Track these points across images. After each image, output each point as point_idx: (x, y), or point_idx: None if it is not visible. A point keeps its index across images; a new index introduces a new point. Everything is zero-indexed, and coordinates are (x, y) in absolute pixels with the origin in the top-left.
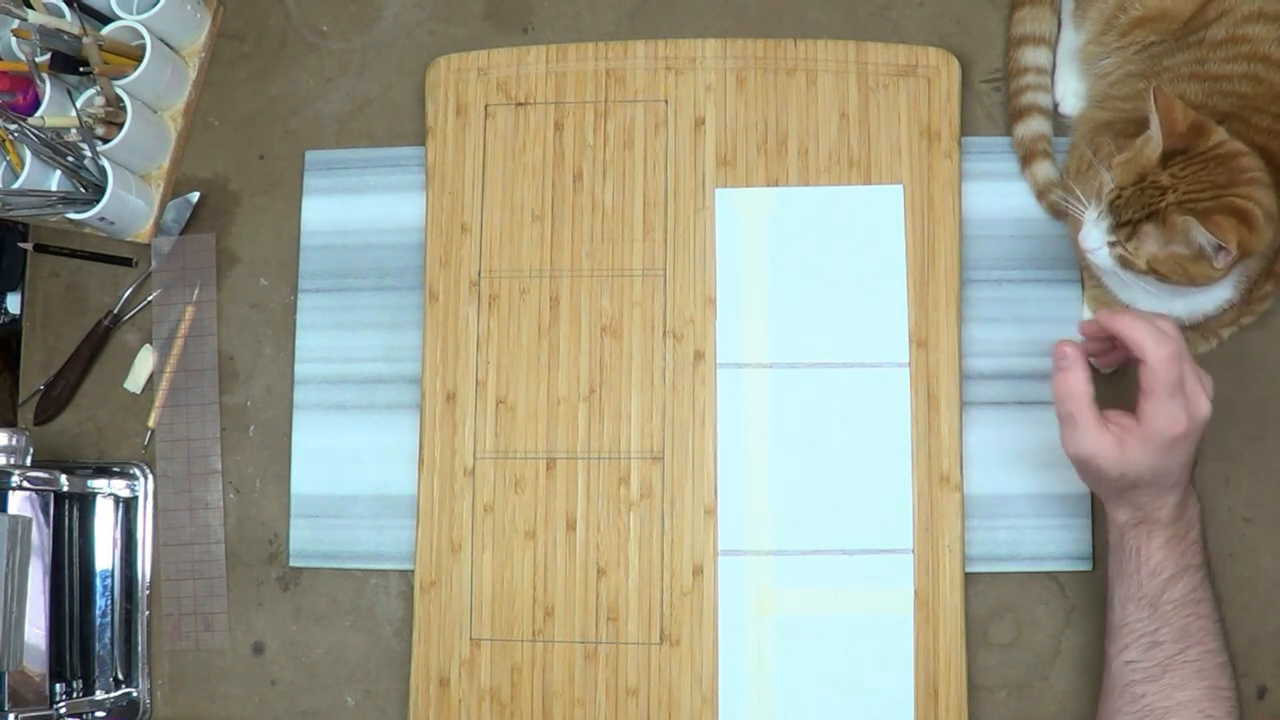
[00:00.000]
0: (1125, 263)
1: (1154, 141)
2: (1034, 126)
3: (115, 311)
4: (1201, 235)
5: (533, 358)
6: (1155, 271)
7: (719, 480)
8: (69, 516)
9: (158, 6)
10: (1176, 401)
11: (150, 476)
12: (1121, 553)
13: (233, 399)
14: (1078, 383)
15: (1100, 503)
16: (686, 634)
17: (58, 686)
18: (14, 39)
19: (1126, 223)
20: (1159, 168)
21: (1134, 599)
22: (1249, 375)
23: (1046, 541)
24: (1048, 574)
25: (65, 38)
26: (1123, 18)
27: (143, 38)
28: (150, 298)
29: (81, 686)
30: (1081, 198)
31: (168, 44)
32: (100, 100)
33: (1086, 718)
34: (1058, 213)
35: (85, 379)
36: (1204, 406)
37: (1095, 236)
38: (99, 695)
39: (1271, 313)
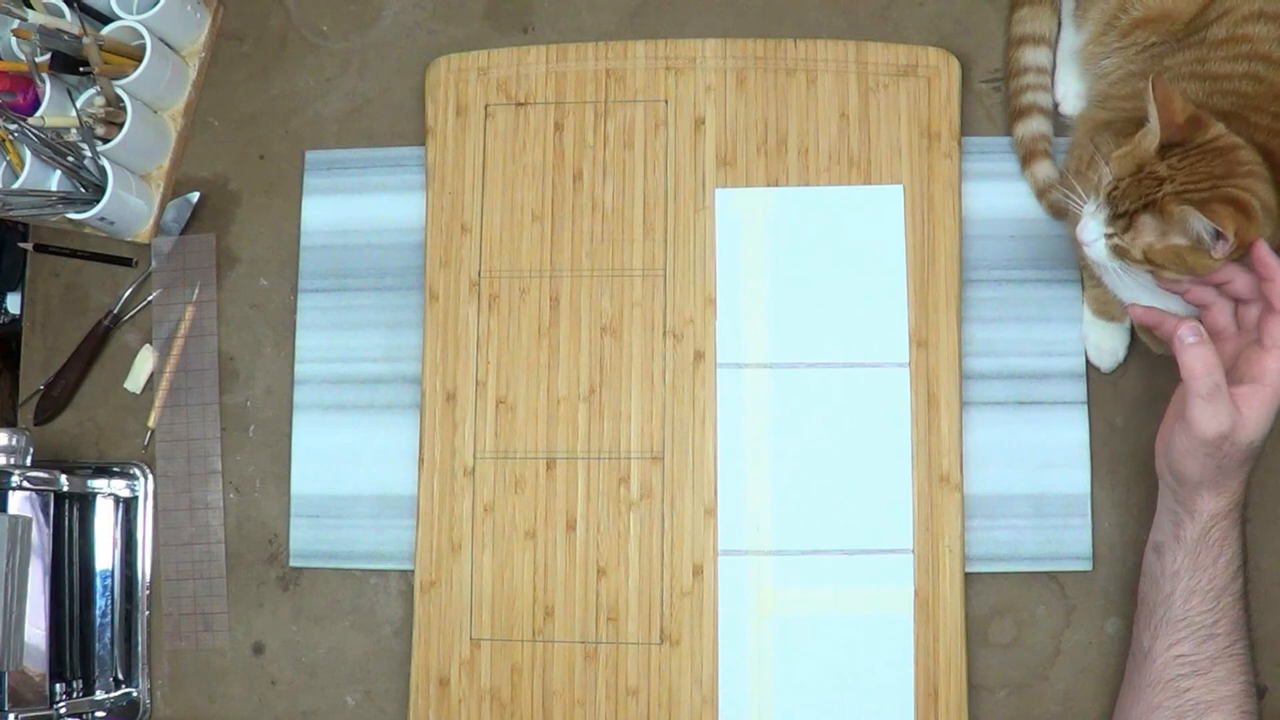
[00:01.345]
0: (1121, 253)
1: (1152, 133)
2: (1034, 126)
3: (115, 311)
4: (1199, 223)
5: (533, 358)
6: (1151, 263)
7: (719, 480)
8: (69, 516)
9: (158, 6)
10: None
11: (150, 476)
12: (1203, 544)
13: (233, 399)
14: (1214, 354)
15: (1100, 502)
16: (686, 634)
17: (58, 686)
18: (14, 39)
19: (1124, 214)
20: (1157, 159)
21: (1201, 591)
22: None
23: (1046, 541)
24: (1048, 574)
25: (65, 38)
26: (1124, 18)
27: (143, 38)
28: (150, 298)
29: (81, 686)
30: (1081, 193)
31: (168, 44)
32: (100, 100)
33: (1086, 717)
34: (1058, 212)
35: (85, 379)
36: None
37: (1093, 229)
38: (99, 695)
39: None
